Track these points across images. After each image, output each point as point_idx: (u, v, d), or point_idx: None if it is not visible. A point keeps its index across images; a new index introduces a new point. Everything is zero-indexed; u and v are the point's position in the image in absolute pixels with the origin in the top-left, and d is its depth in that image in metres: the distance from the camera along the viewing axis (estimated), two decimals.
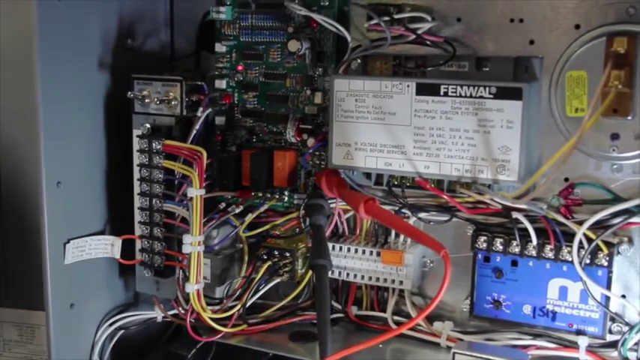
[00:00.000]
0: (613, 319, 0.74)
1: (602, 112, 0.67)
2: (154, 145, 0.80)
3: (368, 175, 0.79)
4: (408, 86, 0.73)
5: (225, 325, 0.83)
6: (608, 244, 0.71)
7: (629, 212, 0.69)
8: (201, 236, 0.79)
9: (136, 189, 0.82)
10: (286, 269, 0.82)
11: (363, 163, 0.76)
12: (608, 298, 0.73)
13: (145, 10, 0.91)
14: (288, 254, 0.82)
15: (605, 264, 0.71)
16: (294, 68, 0.83)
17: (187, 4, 0.94)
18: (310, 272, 0.83)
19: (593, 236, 0.70)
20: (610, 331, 0.74)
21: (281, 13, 0.82)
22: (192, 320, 0.83)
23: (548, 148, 0.73)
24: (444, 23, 0.76)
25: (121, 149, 0.85)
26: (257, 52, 0.84)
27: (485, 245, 0.76)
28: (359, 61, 0.79)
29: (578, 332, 0.75)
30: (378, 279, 0.81)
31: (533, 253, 0.73)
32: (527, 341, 0.76)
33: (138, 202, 0.83)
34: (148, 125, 0.82)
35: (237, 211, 0.85)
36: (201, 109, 0.83)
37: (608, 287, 0.72)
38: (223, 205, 0.86)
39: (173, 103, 0.82)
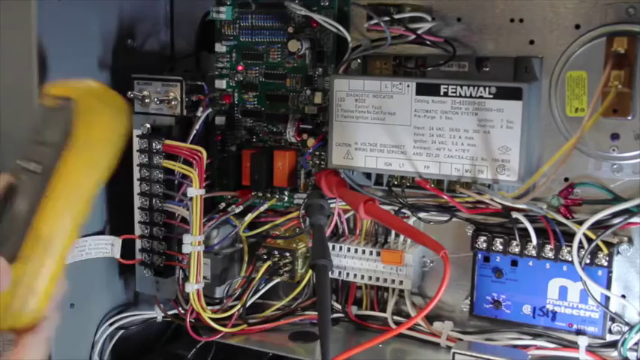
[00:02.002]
0: (613, 319, 0.74)
1: (602, 112, 0.67)
2: (154, 145, 0.80)
3: (368, 175, 0.79)
4: (408, 86, 0.73)
5: (225, 325, 0.83)
6: (608, 244, 0.71)
7: (629, 212, 0.69)
8: (201, 236, 0.79)
9: (136, 189, 0.82)
10: (286, 269, 0.82)
11: (363, 163, 0.76)
12: (608, 298, 0.73)
13: (145, 10, 0.91)
14: (288, 254, 0.82)
15: (605, 264, 0.71)
16: (294, 68, 0.83)
17: (187, 4, 0.94)
18: (310, 272, 0.83)
19: (593, 236, 0.70)
20: (610, 331, 0.74)
21: (281, 13, 0.82)
22: (192, 320, 0.83)
23: (548, 148, 0.73)
24: (444, 23, 0.76)
25: (121, 149, 0.85)
26: (257, 52, 0.84)
27: (485, 245, 0.76)
28: (359, 61, 0.79)
29: (578, 332, 0.75)
30: (378, 279, 0.81)
31: (533, 253, 0.73)
32: (527, 341, 0.76)
33: (138, 202, 0.83)
34: (148, 125, 0.82)
35: (237, 211, 0.85)
36: (201, 109, 0.84)
37: (608, 287, 0.72)
38: (223, 205, 0.86)
39: (173, 103, 0.83)
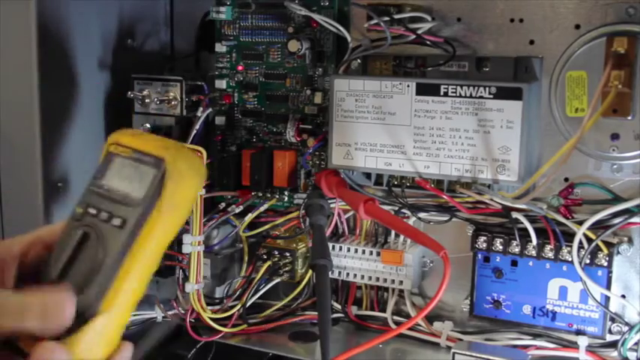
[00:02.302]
0: (613, 319, 0.74)
1: (602, 112, 0.67)
2: None
3: (368, 175, 0.79)
4: (408, 86, 0.73)
5: (225, 325, 0.83)
6: (608, 244, 0.71)
7: (629, 212, 0.69)
8: (201, 236, 0.79)
9: None
10: (286, 269, 0.82)
11: (363, 163, 0.76)
12: (608, 298, 0.73)
13: (145, 10, 0.91)
14: (288, 254, 0.82)
15: (605, 264, 0.71)
16: (294, 68, 0.83)
17: (187, 4, 0.94)
18: (310, 272, 0.83)
19: (593, 236, 0.70)
20: (610, 331, 0.74)
21: (281, 13, 0.82)
22: (192, 320, 0.83)
23: (548, 148, 0.73)
24: (444, 23, 0.76)
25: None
26: (257, 52, 0.84)
27: (485, 245, 0.76)
28: (359, 61, 0.79)
29: (578, 332, 0.75)
30: (377, 279, 0.81)
31: (533, 253, 0.73)
32: (527, 341, 0.76)
33: None
34: (148, 125, 0.82)
35: (237, 210, 0.85)
36: (201, 109, 0.84)
37: (608, 287, 0.72)
38: (223, 205, 0.86)
39: (173, 103, 0.83)
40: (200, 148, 0.79)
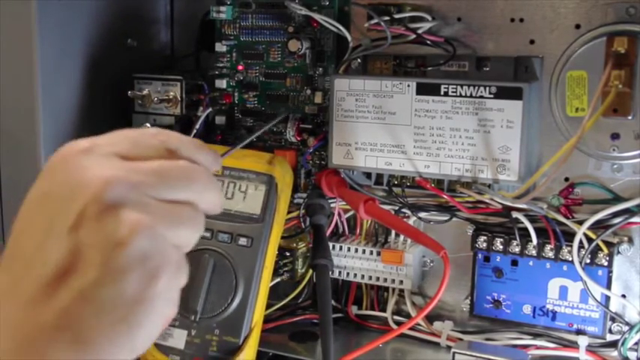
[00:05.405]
0: (613, 319, 0.74)
1: (603, 111, 0.67)
2: None
3: (368, 175, 0.79)
4: (409, 86, 0.73)
5: None
6: (609, 244, 0.71)
7: (629, 212, 0.69)
8: None
9: None
10: (286, 269, 0.82)
11: (363, 163, 0.76)
12: (608, 298, 0.73)
13: (145, 10, 0.91)
14: (288, 254, 0.82)
15: (606, 264, 0.71)
16: (295, 68, 0.83)
17: (187, 4, 0.94)
18: (310, 272, 0.83)
19: (593, 236, 0.70)
20: (610, 331, 0.74)
21: (281, 12, 0.82)
22: None
23: (548, 148, 0.73)
24: (445, 23, 0.76)
25: None
26: (257, 51, 0.84)
27: (485, 245, 0.76)
28: (359, 60, 0.79)
29: (578, 332, 0.75)
30: (378, 278, 0.81)
31: (534, 252, 0.73)
32: (527, 341, 0.76)
33: None
34: (148, 125, 0.82)
35: None
36: (201, 108, 0.84)
37: (608, 287, 0.72)
38: None
39: (173, 102, 0.82)
40: None
